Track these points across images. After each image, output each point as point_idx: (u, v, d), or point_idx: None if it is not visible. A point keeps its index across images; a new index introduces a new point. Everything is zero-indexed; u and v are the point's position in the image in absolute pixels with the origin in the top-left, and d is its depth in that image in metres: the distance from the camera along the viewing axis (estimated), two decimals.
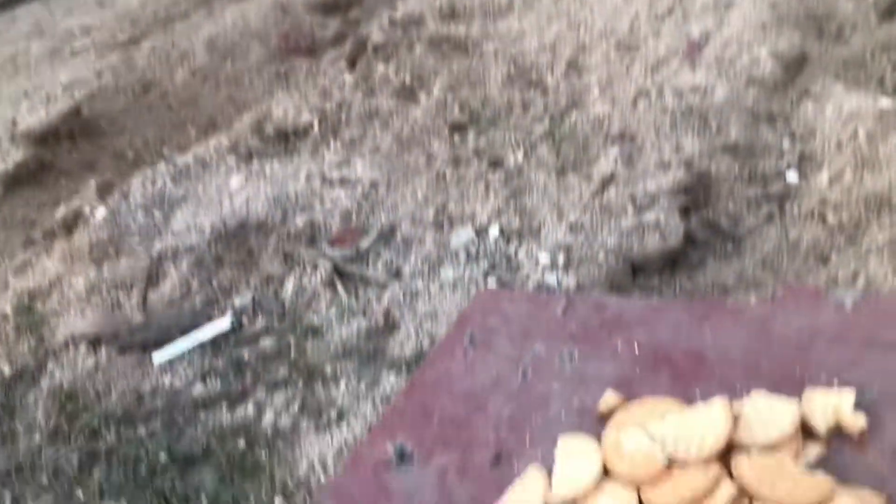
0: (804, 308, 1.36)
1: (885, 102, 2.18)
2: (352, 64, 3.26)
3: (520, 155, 2.28)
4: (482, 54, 3.01)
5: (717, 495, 0.94)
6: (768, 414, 1.08)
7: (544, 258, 1.79)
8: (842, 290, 1.31)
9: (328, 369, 1.65)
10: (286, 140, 2.77)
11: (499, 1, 3.46)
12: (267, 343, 1.77)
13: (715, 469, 0.98)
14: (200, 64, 3.49)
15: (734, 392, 1.18)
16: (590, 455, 1.13)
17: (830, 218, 1.86)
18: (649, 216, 1.86)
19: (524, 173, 2.19)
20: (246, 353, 1.76)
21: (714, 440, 1.04)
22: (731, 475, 1.00)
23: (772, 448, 1.02)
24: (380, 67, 3.06)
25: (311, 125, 2.77)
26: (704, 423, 1.06)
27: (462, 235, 1.95)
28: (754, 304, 1.36)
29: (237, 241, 2.11)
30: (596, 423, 1.24)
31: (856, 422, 1.03)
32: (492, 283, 1.76)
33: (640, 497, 1.01)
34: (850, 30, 2.69)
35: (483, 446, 1.28)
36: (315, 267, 1.97)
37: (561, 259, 1.78)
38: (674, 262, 1.83)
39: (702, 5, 2.91)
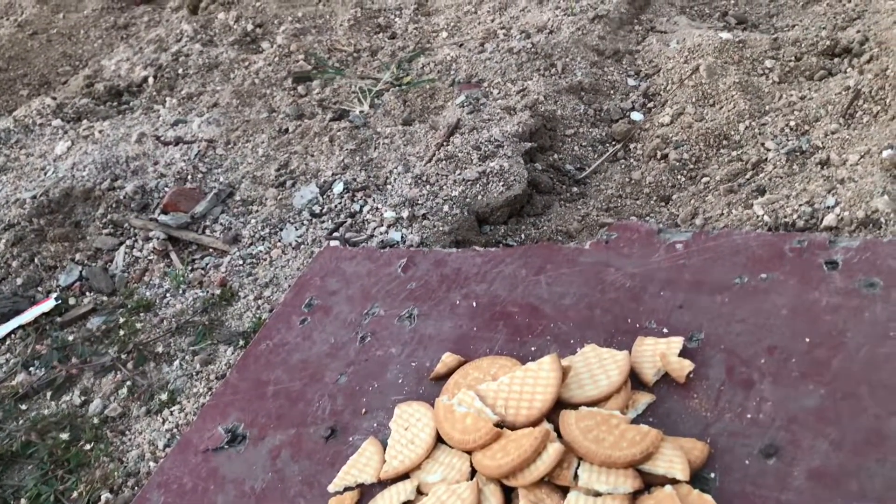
0: (637, 252, 1.35)
1: (725, 35, 2.20)
2: (193, 11, 3.06)
3: (366, 105, 2.19)
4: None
5: (544, 455, 0.92)
6: (598, 367, 1.06)
7: (389, 214, 1.72)
8: (674, 230, 1.30)
9: (160, 348, 1.54)
10: (118, 98, 2.57)
11: None
12: (95, 323, 1.64)
13: (542, 429, 0.95)
14: (29, 17, 3.19)
15: (568, 346, 1.17)
16: (423, 423, 1.10)
17: (672, 155, 1.86)
18: (494, 164, 1.81)
19: (370, 124, 2.10)
20: (72, 336, 1.62)
21: (542, 400, 1.02)
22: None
23: (601, 401, 1.00)
24: (220, 15, 2.88)
25: (146, 81, 2.59)
26: (534, 383, 1.04)
27: (305, 194, 1.85)
28: (589, 249, 1.34)
29: (62, 214, 1.94)
30: (434, 387, 1.20)
31: (682, 368, 1.03)
32: (336, 239, 1.68)
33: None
34: None
35: (318, 420, 1.22)
36: (147, 236, 1.83)
37: (406, 214, 1.71)
38: (520, 209, 1.79)
39: None
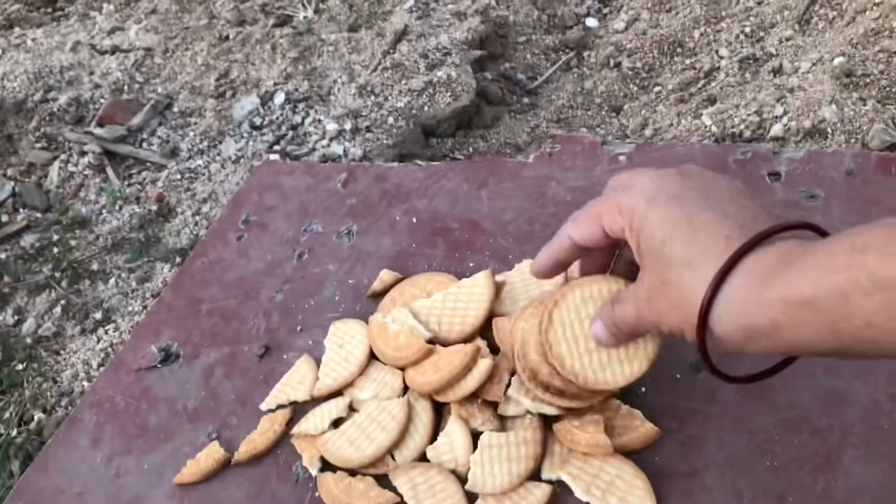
0: (580, 165, 1.32)
1: None
2: None
3: (310, 10, 2.09)
4: None
5: (475, 371, 0.91)
6: (533, 282, 1.04)
7: (332, 126, 1.66)
8: (618, 142, 1.27)
9: (95, 265, 1.50)
10: (53, 4, 2.44)
11: None
12: (28, 240, 1.59)
13: (473, 346, 0.94)
14: None
15: (507, 262, 1.14)
16: (358, 341, 1.08)
17: (626, 64, 1.82)
18: (441, 73, 1.75)
19: (315, 30, 2.01)
20: (5, 254, 1.57)
21: (474, 317, 1.00)
22: (495, 350, 0.97)
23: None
24: None
25: None
26: (467, 299, 1.02)
27: (246, 105, 1.79)
28: (532, 163, 1.31)
29: None
30: (370, 304, 1.18)
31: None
32: (276, 157, 1.63)
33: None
34: None
35: (252, 339, 1.19)
36: (83, 150, 1.76)
37: (349, 126, 1.66)
38: (468, 121, 1.74)
39: None
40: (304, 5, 2.12)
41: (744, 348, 0.54)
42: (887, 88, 1.44)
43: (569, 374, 0.74)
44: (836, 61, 1.49)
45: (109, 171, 1.70)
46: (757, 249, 0.53)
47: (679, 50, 1.81)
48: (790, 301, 0.49)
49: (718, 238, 0.55)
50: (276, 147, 1.66)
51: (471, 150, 1.67)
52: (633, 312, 0.63)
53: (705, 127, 1.47)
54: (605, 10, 2.04)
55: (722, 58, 1.73)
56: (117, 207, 1.63)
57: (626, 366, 0.72)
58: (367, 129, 1.65)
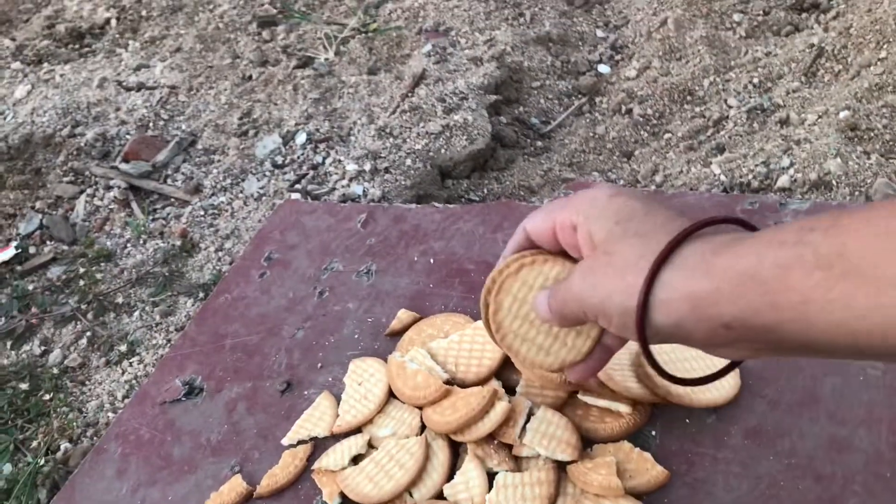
0: None
1: None
2: None
3: (331, 52, 2.16)
4: None
5: (491, 413, 0.95)
6: None
7: (352, 166, 1.71)
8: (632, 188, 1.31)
9: (120, 299, 1.54)
10: (80, 40, 2.52)
11: None
12: (55, 272, 1.63)
13: (490, 388, 0.97)
14: None
15: None
16: (377, 379, 1.12)
17: (637, 111, 1.87)
18: (458, 117, 1.80)
19: (335, 72, 2.07)
20: (32, 285, 1.62)
21: (491, 359, 1.04)
22: (511, 391, 1.00)
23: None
24: None
25: (109, 23, 2.53)
26: (483, 341, 1.06)
27: (268, 143, 1.84)
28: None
29: (22, 160, 1.91)
30: (389, 342, 1.22)
31: None
32: (297, 196, 1.68)
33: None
34: None
35: (274, 374, 1.23)
36: (108, 185, 1.81)
37: (368, 167, 1.70)
38: (483, 163, 1.79)
39: None
40: (325, 48, 2.18)
41: (684, 327, 0.53)
42: (891, 143, 1.48)
43: (508, 350, 0.74)
44: (842, 115, 1.53)
45: (134, 205, 1.76)
46: (710, 230, 0.55)
47: (689, 98, 1.86)
48: (735, 269, 0.49)
49: (674, 219, 0.57)
50: (298, 186, 1.71)
51: (485, 191, 1.72)
52: (576, 285, 0.61)
53: (714, 175, 1.51)
54: (618, 58, 2.09)
55: (731, 107, 1.77)
56: (141, 242, 1.67)
57: (565, 351, 0.72)
58: (386, 170, 1.70)
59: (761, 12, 2.07)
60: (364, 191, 1.64)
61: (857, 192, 1.33)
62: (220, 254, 1.62)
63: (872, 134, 1.50)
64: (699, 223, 0.55)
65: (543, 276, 0.71)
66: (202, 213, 1.73)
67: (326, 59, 2.13)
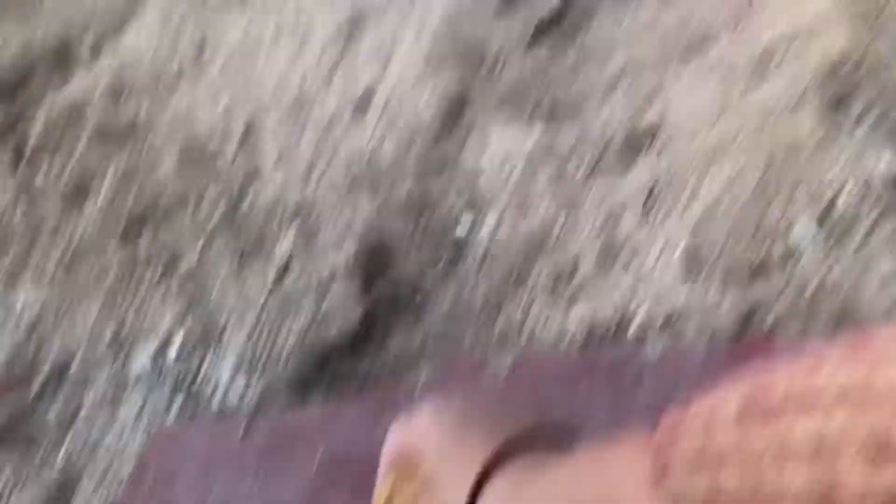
0: (466, 387, 1.40)
1: (535, 134, 2.32)
2: (16, 164, 2.97)
3: (197, 250, 2.18)
4: (154, 138, 2.86)
5: None
6: None
7: (227, 368, 1.71)
8: (500, 355, 1.35)
9: None
10: None
11: (169, 71, 3.32)
12: None
13: None
14: None
15: None
16: None
17: (498, 266, 1.94)
18: (328, 300, 1.83)
19: (203, 270, 2.09)
20: None
21: None
22: None
23: None
24: (43, 168, 2.81)
25: None
26: None
27: (142, 356, 1.82)
28: (420, 391, 1.38)
29: None
30: None
31: None
32: (175, 407, 1.65)
33: None
34: (504, 58, 2.84)
35: None
36: None
37: (244, 366, 1.70)
38: (361, 342, 1.82)
39: (367, 50, 2.95)
40: (191, 246, 2.20)
41: None
42: (728, 270, 1.58)
43: None
44: (680, 247, 1.63)
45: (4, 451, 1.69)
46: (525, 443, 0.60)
47: (543, 247, 1.95)
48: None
49: (486, 444, 0.60)
50: (175, 400, 1.68)
51: (366, 372, 1.73)
52: None
53: (573, 327, 1.58)
54: (475, 215, 2.18)
55: (582, 251, 1.86)
56: (18, 489, 1.61)
57: None
58: (263, 366, 1.70)
59: (599, 150, 2.21)
60: (241, 394, 1.63)
61: (705, 328, 1.40)
62: (105, 484, 1.57)
63: (710, 263, 1.60)
64: (510, 444, 0.59)
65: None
66: (81, 443, 1.68)
67: (194, 258, 2.14)
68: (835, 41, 1.87)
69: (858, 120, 1.72)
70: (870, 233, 1.52)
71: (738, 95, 1.93)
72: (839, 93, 1.78)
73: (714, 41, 2.47)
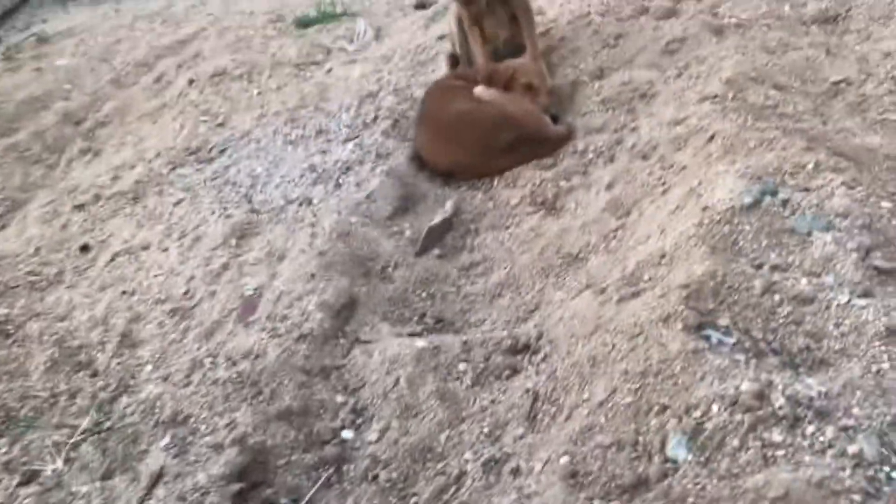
0: None
1: (421, 342, 2.35)
2: None
3: (60, 460, 2.04)
4: (25, 337, 2.74)
5: None
6: None
7: None
8: None
9: None
10: None
11: (46, 273, 3.24)
12: None
13: None
14: None
15: None
16: None
17: (382, 476, 1.90)
18: None
19: (64, 483, 1.95)
20: None
21: None
22: None
23: None
24: None
25: None
26: None
27: None
28: None
29: None
30: None
31: None
32: None
33: None
34: (392, 268, 2.93)
35: None
36: None
37: None
38: None
39: (255, 258, 2.98)
40: (52, 457, 2.06)
41: None
42: (607, 484, 1.60)
43: None
44: (562, 461, 1.65)
45: None
46: None
47: (429, 455, 1.93)
48: None
49: None
50: None
51: None
52: None
53: None
54: (360, 421, 2.16)
55: (467, 461, 1.86)
56: None
57: None
58: None
59: (483, 359, 2.26)
60: None
61: None
62: None
63: (591, 478, 1.62)
64: None
65: None
66: None
67: (54, 471, 2.00)
68: (698, 263, 2.04)
69: (722, 337, 1.85)
70: (740, 447, 1.59)
71: (610, 312, 2.05)
72: (704, 311, 1.91)
73: (587, 260, 2.65)
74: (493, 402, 2.06)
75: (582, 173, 3.15)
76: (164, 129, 4.59)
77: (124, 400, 2.30)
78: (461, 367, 2.25)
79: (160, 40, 6.28)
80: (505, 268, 2.81)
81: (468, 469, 1.83)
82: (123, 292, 2.93)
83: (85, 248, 3.39)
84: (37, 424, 2.26)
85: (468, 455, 1.89)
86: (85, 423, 2.20)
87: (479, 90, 3.50)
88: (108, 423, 2.20)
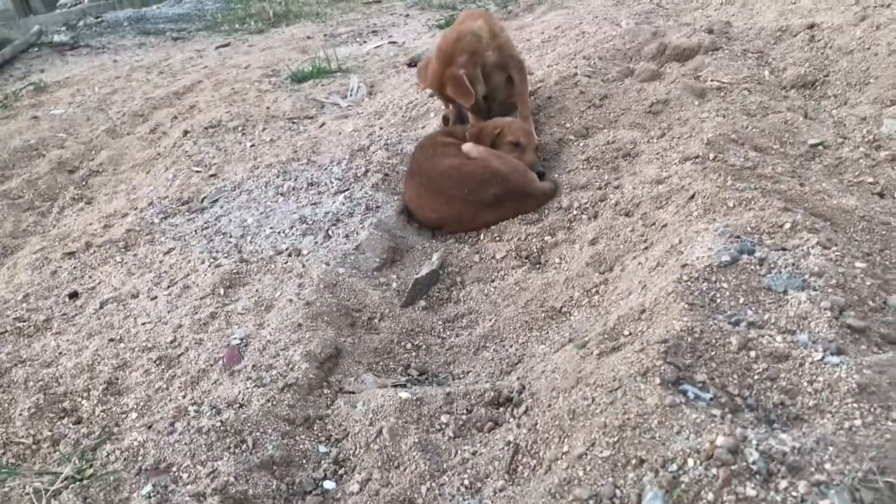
0: None
1: (404, 394, 2.38)
2: None
3: None
4: (10, 383, 2.74)
5: None
6: None
7: None
8: None
9: None
10: None
11: (34, 319, 3.26)
12: None
13: None
14: None
15: None
16: None
17: None
18: None
19: None
20: None
21: None
22: None
23: None
24: None
25: None
26: None
27: None
28: None
29: None
30: None
31: None
32: None
33: None
34: (378, 319, 2.96)
35: None
36: None
37: None
38: None
39: (243, 307, 3.01)
40: (34, 502, 2.06)
41: None
42: None
43: None
44: None
45: None
46: None
47: None
48: None
49: None
50: None
51: None
52: None
53: None
54: (341, 472, 2.17)
55: None
56: None
57: None
58: None
59: (465, 411, 2.28)
60: None
61: None
62: None
63: None
64: None
65: None
66: None
67: None
68: (676, 319, 2.08)
69: (699, 392, 1.88)
70: (714, 501, 1.61)
71: (591, 366, 2.08)
72: (681, 366, 1.95)
73: (570, 314, 2.69)
74: (474, 454, 2.08)
75: (566, 228, 3.21)
76: (157, 178, 4.65)
77: (107, 447, 2.30)
78: (444, 418, 2.27)
79: (156, 91, 6.39)
80: (489, 320, 2.85)
81: None
82: (111, 340, 2.95)
83: (74, 296, 3.41)
84: (18, 471, 2.25)
85: None
86: (67, 470, 2.20)
87: (467, 147, 3.58)
88: (90, 471, 2.20)
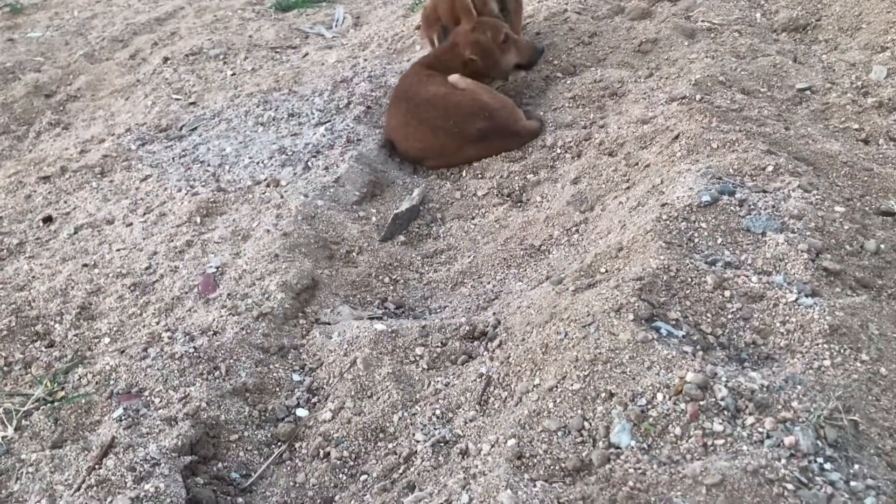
0: None
1: (380, 326, 2.37)
2: None
3: (11, 429, 2.03)
4: None
5: None
6: None
7: None
8: None
9: None
10: None
11: (7, 243, 3.22)
12: None
13: None
14: None
15: None
16: None
17: (334, 454, 1.91)
18: (149, 486, 1.74)
19: (14, 451, 1.94)
20: None
21: None
22: None
23: None
24: None
25: None
26: None
27: None
28: None
29: None
30: None
31: None
32: None
33: None
34: (357, 252, 2.94)
35: None
36: None
37: None
38: None
39: (220, 237, 2.98)
40: (3, 423, 2.05)
41: None
42: (552, 467, 1.63)
43: None
44: (509, 443, 1.68)
45: None
46: None
47: (381, 435, 1.95)
48: None
49: None
50: None
51: None
52: None
53: None
54: (315, 400, 2.17)
55: (418, 441, 1.88)
56: None
57: None
58: None
59: (440, 344, 2.28)
60: None
61: None
62: None
63: (536, 460, 1.65)
64: None
65: None
66: None
67: (4, 438, 2.00)
68: (653, 257, 2.07)
69: (672, 329, 1.88)
70: (681, 435, 1.63)
71: (565, 302, 2.08)
72: (655, 304, 1.95)
73: (549, 252, 2.68)
74: (446, 385, 2.09)
75: (549, 167, 3.18)
76: (135, 105, 4.56)
77: (79, 371, 2.30)
78: (418, 350, 2.27)
79: (137, 17, 6.23)
80: (468, 257, 2.84)
81: (418, 449, 1.85)
82: (85, 265, 2.92)
83: (48, 220, 3.37)
84: None
85: (419, 436, 1.91)
86: (38, 391, 2.19)
87: (455, 77, 3.52)
88: (61, 393, 2.19)
